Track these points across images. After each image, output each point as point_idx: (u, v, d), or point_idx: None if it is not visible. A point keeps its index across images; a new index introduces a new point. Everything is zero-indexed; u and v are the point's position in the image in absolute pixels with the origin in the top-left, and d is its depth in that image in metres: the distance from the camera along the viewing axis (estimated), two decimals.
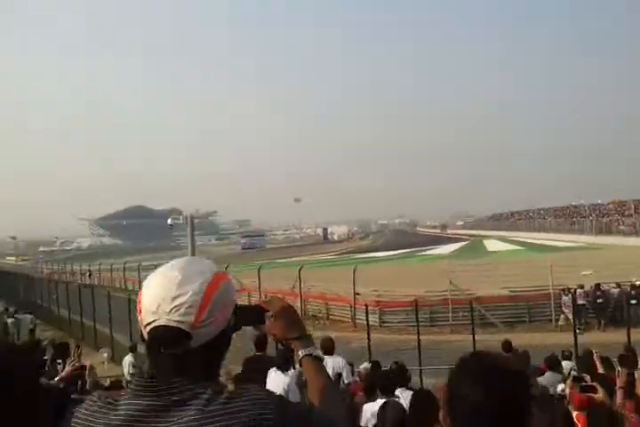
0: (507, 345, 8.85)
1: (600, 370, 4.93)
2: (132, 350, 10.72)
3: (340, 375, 6.00)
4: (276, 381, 5.02)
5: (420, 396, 3.83)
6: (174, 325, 1.24)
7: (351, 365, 8.17)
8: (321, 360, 1.55)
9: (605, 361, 5.76)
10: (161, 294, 1.26)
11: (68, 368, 4.59)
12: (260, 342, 6.14)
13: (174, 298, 1.25)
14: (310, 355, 1.51)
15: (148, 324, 1.27)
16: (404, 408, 3.59)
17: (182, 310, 1.24)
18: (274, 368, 5.20)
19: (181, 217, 14.00)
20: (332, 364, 6.41)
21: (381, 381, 4.96)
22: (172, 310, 1.24)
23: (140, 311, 1.29)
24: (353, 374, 7.15)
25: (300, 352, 1.52)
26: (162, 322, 1.25)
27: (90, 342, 19.01)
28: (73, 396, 4.58)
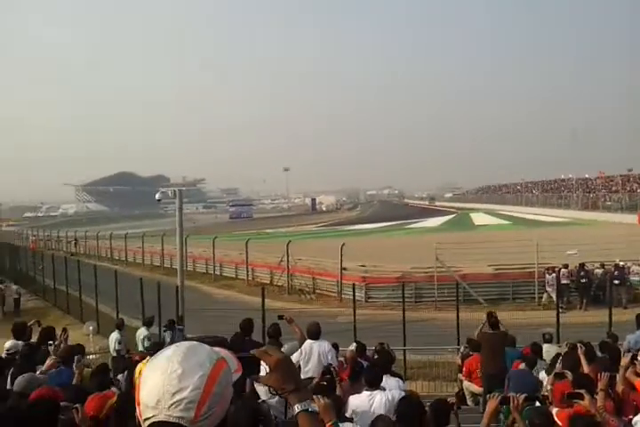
0: (492, 320, 8.67)
1: (585, 368, 5.00)
2: (119, 327, 10.70)
3: (329, 365, 5.99)
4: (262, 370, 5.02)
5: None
6: (174, 420, 1.20)
7: (336, 346, 8.23)
8: (317, 414, 1.54)
9: (589, 353, 5.85)
10: (160, 389, 1.21)
11: (48, 362, 4.55)
12: None
13: (174, 393, 1.20)
14: (307, 410, 1.51)
15: (147, 418, 1.23)
16: (393, 422, 3.60)
17: (182, 406, 1.20)
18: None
19: (169, 191, 13.75)
20: (318, 348, 6.45)
21: (366, 374, 4.97)
22: (172, 405, 1.20)
23: (139, 403, 1.24)
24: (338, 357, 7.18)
25: (295, 407, 1.51)
26: (161, 417, 1.21)
27: (76, 313, 19.04)
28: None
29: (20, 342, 6.94)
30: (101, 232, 44.41)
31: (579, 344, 5.68)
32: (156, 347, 6.48)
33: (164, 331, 10.46)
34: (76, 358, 5.06)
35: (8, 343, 6.92)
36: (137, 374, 5.57)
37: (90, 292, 18.75)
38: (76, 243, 44.55)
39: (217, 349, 1.36)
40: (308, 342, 6.44)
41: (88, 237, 43.95)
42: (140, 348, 10.17)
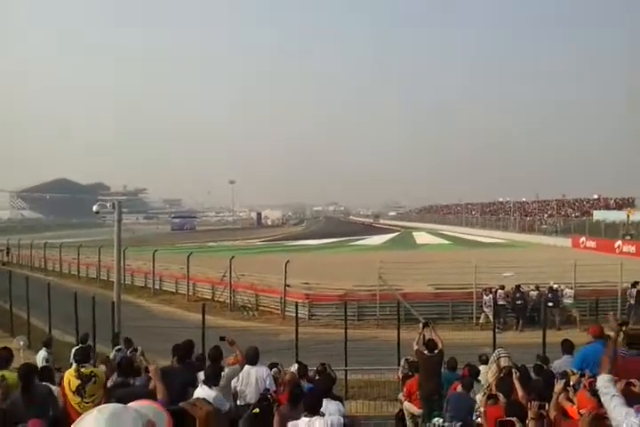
0: (431, 344, 8.86)
1: (519, 393, 5.13)
2: (47, 344, 10.19)
3: (266, 391, 5.92)
4: (203, 395, 4.91)
5: None
6: None
7: (277, 365, 8.14)
8: None
9: (524, 376, 6.01)
10: None
11: None
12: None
13: None
14: None
15: None
16: None
17: None
18: (200, 383, 5.11)
19: (108, 204, 13.35)
20: (256, 374, 6.36)
21: (306, 400, 4.91)
22: None
23: None
24: (277, 381, 7.07)
25: None
26: None
27: (5, 326, 18.09)
28: None
29: None
30: (36, 241, 42.59)
31: (513, 370, 5.83)
32: (82, 353, 6.20)
33: (116, 350, 9.88)
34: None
35: None
36: (65, 383, 5.34)
37: (21, 304, 17.86)
38: (7, 251, 42.59)
39: (143, 406, 1.26)
40: (247, 367, 6.34)
41: (21, 246, 42.08)
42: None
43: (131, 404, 1.22)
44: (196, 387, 5.41)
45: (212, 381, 5.20)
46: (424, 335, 9.04)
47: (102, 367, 7.02)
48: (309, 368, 8.40)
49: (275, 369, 7.48)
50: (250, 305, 21.04)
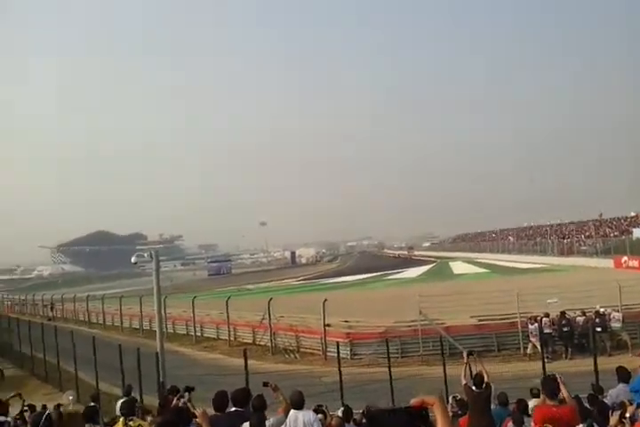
0: (478, 379, 8.64)
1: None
2: (94, 399, 10.20)
3: None
4: None
5: None
6: None
7: (321, 410, 8.09)
8: None
9: (583, 409, 5.95)
10: None
11: None
12: None
13: None
14: None
15: None
16: None
17: None
18: None
19: (146, 254, 13.71)
20: (303, 418, 6.32)
21: None
22: None
23: None
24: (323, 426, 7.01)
25: None
26: None
27: (54, 381, 18.42)
28: None
29: (3, 416, 6.69)
30: (78, 294, 43.54)
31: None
32: (128, 406, 6.31)
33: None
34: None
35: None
36: None
37: (68, 359, 18.18)
38: (52, 307, 43.55)
39: None
40: (293, 412, 6.32)
41: (65, 300, 43.00)
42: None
43: None
44: None
45: None
46: (469, 365, 8.85)
47: (148, 419, 7.12)
48: (355, 411, 8.32)
49: (320, 415, 7.42)
50: (291, 348, 20.94)
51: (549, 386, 6.14)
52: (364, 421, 7.79)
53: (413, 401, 1.44)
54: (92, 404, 9.82)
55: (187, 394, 7.85)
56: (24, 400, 8.65)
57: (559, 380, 6.30)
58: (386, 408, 1.40)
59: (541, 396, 6.50)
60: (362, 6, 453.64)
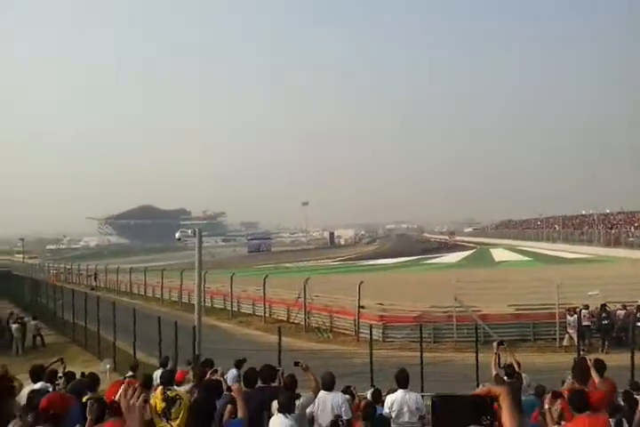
0: (510, 369, 8.50)
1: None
2: (133, 369, 10.51)
3: (338, 418, 5.99)
4: (278, 423, 5.08)
5: None
6: None
7: (350, 391, 8.15)
8: None
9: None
10: None
11: None
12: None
13: None
14: None
15: None
16: None
17: None
18: (276, 412, 5.27)
19: (189, 230, 13.96)
20: (331, 401, 6.40)
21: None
22: None
23: None
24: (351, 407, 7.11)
25: None
26: None
27: (93, 349, 19.09)
28: None
29: (48, 383, 6.97)
30: (122, 266, 44.81)
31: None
32: (167, 376, 6.51)
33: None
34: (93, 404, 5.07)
35: (37, 385, 6.94)
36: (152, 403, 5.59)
37: (109, 328, 18.81)
38: (95, 277, 44.98)
39: None
40: (322, 393, 6.39)
41: (108, 271, 44.36)
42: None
43: None
44: (271, 413, 5.56)
45: (286, 409, 5.32)
46: (499, 355, 8.75)
47: (186, 387, 7.34)
48: (384, 394, 8.35)
49: (348, 396, 7.50)
50: (324, 327, 21.14)
51: (580, 370, 5.72)
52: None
53: (479, 390, 1.44)
54: (131, 373, 10.19)
55: (219, 368, 8.07)
56: (65, 366, 9.00)
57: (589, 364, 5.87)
58: (450, 395, 1.40)
59: (570, 380, 6.15)
60: None
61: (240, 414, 4.77)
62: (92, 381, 6.74)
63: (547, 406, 5.30)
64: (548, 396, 5.57)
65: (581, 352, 13.48)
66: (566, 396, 4.98)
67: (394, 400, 7.18)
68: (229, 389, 6.11)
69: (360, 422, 6.27)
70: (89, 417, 4.72)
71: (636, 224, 60.12)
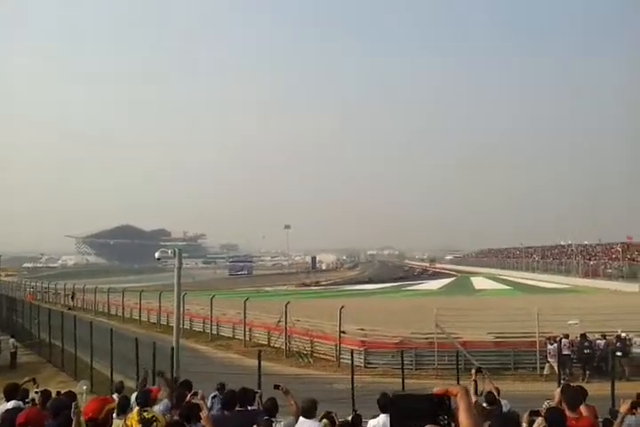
0: (490, 397, 8.51)
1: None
2: (118, 390, 10.29)
3: None
4: None
5: None
6: None
7: (330, 417, 8.07)
8: None
9: None
10: None
11: None
12: None
13: None
14: None
15: None
16: None
17: None
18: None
19: (169, 251, 13.85)
20: None
21: None
22: None
23: None
24: None
25: None
26: None
27: (70, 370, 18.69)
28: None
29: (20, 402, 6.84)
30: (100, 285, 44.12)
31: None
32: (143, 397, 6.40)
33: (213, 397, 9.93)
34: (73, 404, 4.97)
35: (10, 404, 6.81)
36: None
37: (85, 348, 18.44)
38: (73, 296, 44.22)
39: None
40: (301, 419, 6.30)
41: (86, 291, 43.64)
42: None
43: None
44: None
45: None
46: (476, 382, 8.74)
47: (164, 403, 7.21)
48: (365, 420, 8.28)
49: (325, 420, 7.41)
50: (305, 352, 20.94)
51: (571, 395, 5.41)
52: None
53: (437, 389, 1.45)
54: (116, 394, 9.95)
55: (200, 391, 7.94)
56: (37, 385, 8.80)
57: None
58: (409, 393, 1.41)
59: (549, 404, 6.13)
60: None
61: None
62: (70, 399, 6.60)
63: (524, 425, 5.30)
64: (525, 414, 5.56)
65: (562, 381, 13.50)
66: (544, 414, 4.99)
67: (375, 425, 7.11)
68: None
69: None
70: None
71: (613, 256, 60.97)
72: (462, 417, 1.28)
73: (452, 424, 1.38)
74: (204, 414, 5.25)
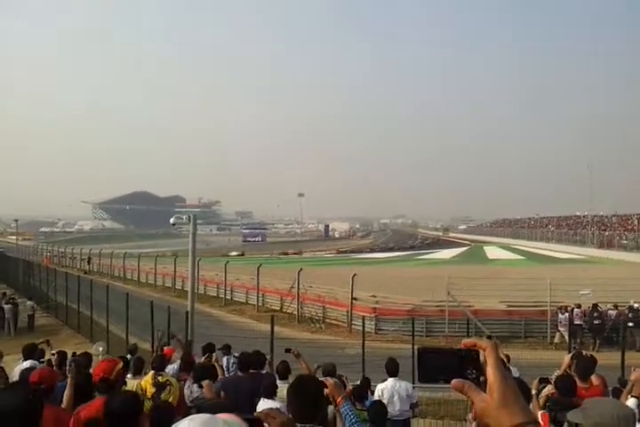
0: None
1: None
2: (132, 352, 10.55)
3: None
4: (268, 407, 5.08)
5: None
6: None
7: (342, 380, 8.19)
8: None
9: None
10: None
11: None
12: None
13: None
14: None
15: None
16: None
17: None
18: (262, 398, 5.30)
19: (184, 217, 13.90)
20: None
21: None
22: None
23: None
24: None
25: None
26: None
27: (86, 332, 19.09)
28: None
29: (37, 362, 7.03)
30: (116, 251, 44.69)
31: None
32: (159, 361, 6.51)
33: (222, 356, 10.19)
34: (67, 362, 5.07)
35: (27, 363, 6.98)
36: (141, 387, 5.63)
37: (101, 311, 18.80)
38: (89, 261, 44.89)
39: (226, 417, 1.34)
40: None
41: (102, 256, 44.27)
42: None
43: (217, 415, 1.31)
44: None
45: (270, 393, 5.36)
46: None
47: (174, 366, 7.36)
48: (373, 384, 8.40)
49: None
50: (317, 317, 21.20)
51: (584, 365, 5.47)
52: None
53: (465, 341, 1.42)
54: (129, 356, 10.18)
55: (214, 354, 8.08)
56: (51, 347, 9.04)
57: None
58: (436, 347, 1.39)
59: (559, 373, 6.14)
60: None
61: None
62: (87, 360, 6.77)
63: (533, 392, 5.33)
64: (535, 381, 5.59)
65: (572, 350, 13.54)
66: (554, 381, 5.01)
67: (384, 389, 7.23)
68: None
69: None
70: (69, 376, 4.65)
71: (629, 227, 60.38)
72: (490, 372, 1.25)
73: (481, 378, 1.35)
74: (205, 382, 5.32)
